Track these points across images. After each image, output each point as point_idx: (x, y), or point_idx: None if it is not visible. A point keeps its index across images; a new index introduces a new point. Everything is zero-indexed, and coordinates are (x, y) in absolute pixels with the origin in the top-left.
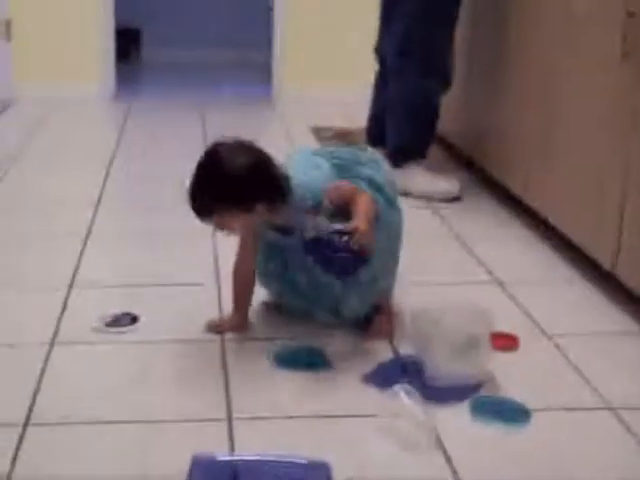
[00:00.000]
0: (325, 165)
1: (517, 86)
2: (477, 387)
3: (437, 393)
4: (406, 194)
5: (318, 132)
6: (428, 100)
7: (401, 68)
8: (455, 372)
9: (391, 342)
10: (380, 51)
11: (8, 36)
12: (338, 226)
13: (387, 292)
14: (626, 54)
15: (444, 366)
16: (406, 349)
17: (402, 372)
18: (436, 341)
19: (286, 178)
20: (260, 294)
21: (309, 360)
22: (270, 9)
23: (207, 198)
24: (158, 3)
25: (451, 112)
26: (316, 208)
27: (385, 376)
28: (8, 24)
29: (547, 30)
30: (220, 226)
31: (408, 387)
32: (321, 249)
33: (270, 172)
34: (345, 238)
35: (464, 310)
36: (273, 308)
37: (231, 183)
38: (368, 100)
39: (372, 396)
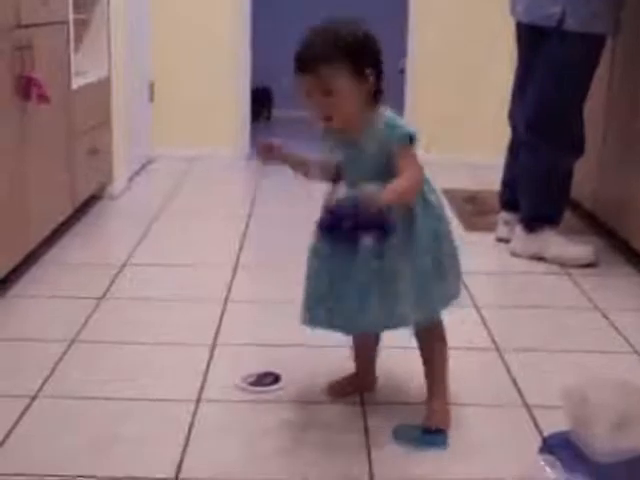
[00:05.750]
0: None
1: None
2: None
3: (608, 471)
4: (540, 259)
5: (448, 194)
6: (560, 169)
7: (532, 139)
8: (616, 447)
9: (447, 429)
10: (513, 118)
11: (151, 97)
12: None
13: (415, 321)
14: None
15: (603, 443)
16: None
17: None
18: (590, 419)
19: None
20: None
21: (429, 439)
22: (402, 71)
23: (328, 46)
24: (289, 63)
25: (587, 178)
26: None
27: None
28: (152, 86)
29: None
30: (324, 87)
31: (551, 459)
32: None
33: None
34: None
35: (614, 384)
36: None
37: (356, 37)
38: (498, 163)
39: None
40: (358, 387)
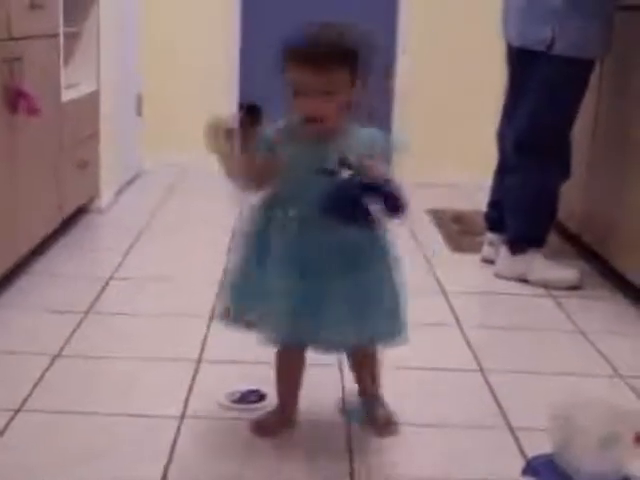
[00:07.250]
0: None
1: None
2: None
3: None
4: (524, 281)
5: (434, 214)
6: (546, 192)
7: (520, 161)
8: (600, 468)
9: (393, 433)
10: (501, 139)
11: (139, 110)
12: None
13: (363, 341)
14: None
15: (587, 464)
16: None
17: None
18: (575, 440)
19: None
20: None
21: None
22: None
23: (337, 46)
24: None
25: (574, 201)
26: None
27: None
28: (140, 99)
29: None
30: (325, 87)
31: None
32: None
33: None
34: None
35: (599, 405)
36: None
37: (360, 43)
38: (488, 183)
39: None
40: (281, 423)
